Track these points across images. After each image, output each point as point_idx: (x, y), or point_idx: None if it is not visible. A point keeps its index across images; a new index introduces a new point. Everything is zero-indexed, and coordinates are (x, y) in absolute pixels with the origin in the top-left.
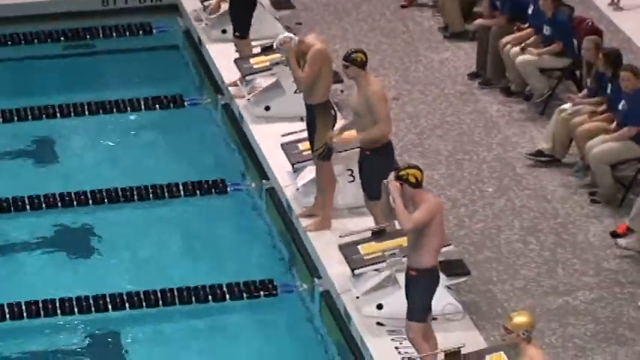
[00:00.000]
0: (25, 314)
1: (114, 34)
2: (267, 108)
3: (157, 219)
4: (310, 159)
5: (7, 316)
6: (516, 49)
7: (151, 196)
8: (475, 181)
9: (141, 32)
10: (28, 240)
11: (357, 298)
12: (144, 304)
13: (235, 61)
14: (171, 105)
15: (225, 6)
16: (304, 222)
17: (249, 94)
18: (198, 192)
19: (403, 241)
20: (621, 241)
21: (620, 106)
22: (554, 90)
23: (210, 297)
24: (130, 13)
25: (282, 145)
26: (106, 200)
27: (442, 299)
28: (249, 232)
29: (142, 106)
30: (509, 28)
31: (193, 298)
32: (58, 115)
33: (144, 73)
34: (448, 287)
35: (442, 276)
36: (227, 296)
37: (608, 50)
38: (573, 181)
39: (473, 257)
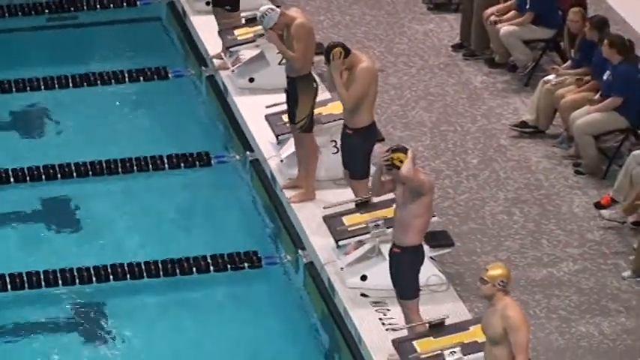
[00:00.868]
0: (9, 286)
1: (98, 6)
2: (252, 80)
3: (141, 191)
4: None
5: None
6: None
7: (134, 168)
8: (459, 152)
9: (125, 4)
10: (10, 212)
11: (342, 269)
12: (127, 276)
13: (219, 32)
14: (156, 77)
15: None
16: (288, 193)
17: (234, 65)
18: (182, 164)
19: (388, 212)
20: (605, 213)
21: (604, 77)
22: (539, 61)
23: (194, 269)
24: None
25: (266, 116)
26: (90, 173)
27: (426, 271)
28: (233, 204)
29: (126, 78)
30: None
31: (177, 270)
32: (42, 87)
33: (128, 45)
34: (432, 259)
35: (426, 247)
36: (211, 268)
37: (593, 17)
38: (557, 153)
39: (457, 228)
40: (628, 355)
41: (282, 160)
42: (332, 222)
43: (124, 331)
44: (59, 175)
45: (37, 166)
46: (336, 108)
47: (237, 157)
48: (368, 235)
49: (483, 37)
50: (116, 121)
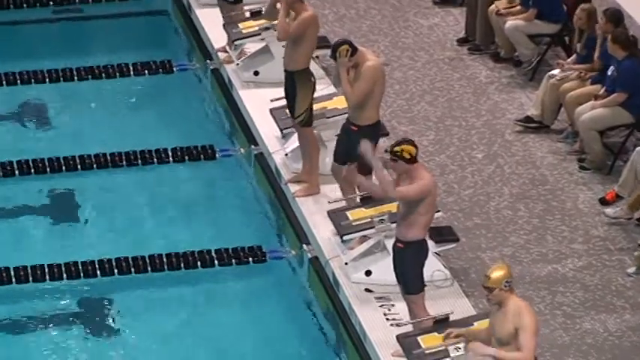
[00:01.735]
0: (14, 280)
1: None
2: (256, 73)
3: (146, 185)
4: None
5: None
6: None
7: (139, 161)
8: (464, 147)
9: None
10: (16, 205)
11: (346, 264)
12: (132, 270)
13: (224, 26)
14: (161, 70)
15: None
16: (293, 188)
17: (238, 59)
18: (186, 157)
19: (392, 207)
20: (609, 212)
21: (609, 72)
22: (544, 56)
23: (199, 263)
24: None
25: (270, 110)
26: (95, 166)
27: (431, 266)
28: (238, 198)
29: (131, 72)
30: None
31: (182, 264)
32: (47, 80)
33: (133, 38)
34: (437, 254)
35: (431, 242)
36: (216, 262)
37: (607, 10)
38: (562, 148)
39: (462, 224)
40: (633, 351)
41: (286, 154)
42: (336, 217)
43: (128, 324)
44: (64, 168)
45: (42, 159)
46: (341, 102)
47: (242, 150)
48: (373, 230)
49: (488, 32)
50: (121, 114)
